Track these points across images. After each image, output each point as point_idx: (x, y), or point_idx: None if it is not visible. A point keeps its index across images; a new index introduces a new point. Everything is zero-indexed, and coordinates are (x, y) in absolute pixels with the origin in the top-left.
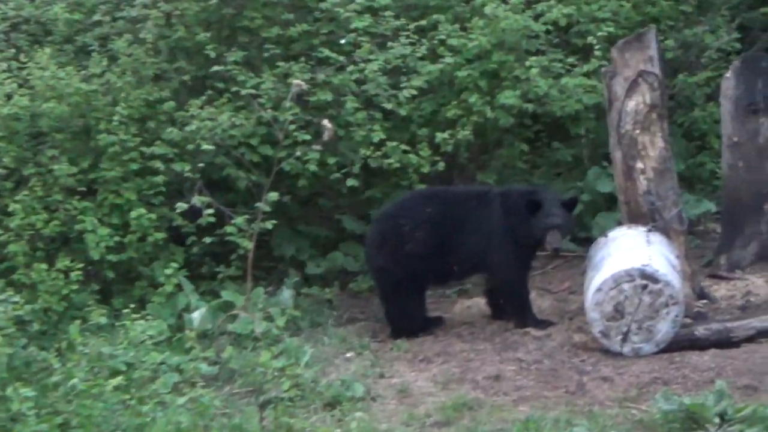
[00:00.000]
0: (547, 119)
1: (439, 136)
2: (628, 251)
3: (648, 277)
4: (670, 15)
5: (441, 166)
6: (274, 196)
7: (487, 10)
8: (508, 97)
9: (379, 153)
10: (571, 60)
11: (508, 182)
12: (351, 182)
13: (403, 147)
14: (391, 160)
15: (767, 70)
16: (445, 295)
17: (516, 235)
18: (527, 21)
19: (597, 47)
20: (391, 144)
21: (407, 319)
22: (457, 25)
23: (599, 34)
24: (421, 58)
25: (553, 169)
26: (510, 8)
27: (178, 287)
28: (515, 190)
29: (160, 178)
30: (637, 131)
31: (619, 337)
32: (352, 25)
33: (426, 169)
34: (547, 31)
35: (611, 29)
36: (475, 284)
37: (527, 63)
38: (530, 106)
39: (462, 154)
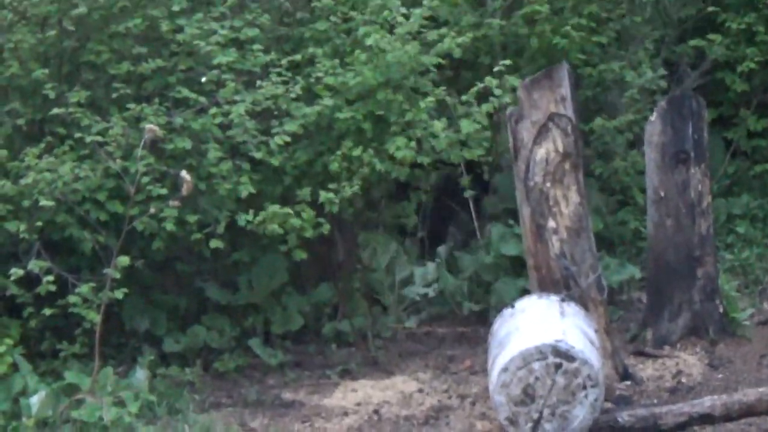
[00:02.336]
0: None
1: (324, 195)
2: (539, 325)
3: (562, 354)
4: (583, 48)
5: (326, 228)
6: (124, 260)
7: (370, 41)
8: (400, 149)
9: (258, 218)
10: (465, 97)
11: (396, 243)
12: (214, 243)
13: (286, 210)
14: (274, 226)
15: (698, 112)
16: (325, 376)
17: None
18: (416, 54)
19: (496, 84)
20: (272, 209)
21: None
22: (336, 60)
23: (496, 69)
24: (296, 99)
25: (451, 227)
26: (396, 39)
27: (13, 367)
28: None
29: None
30: (548, 184)
31: (529, 425)
32: (215, 61)
33: (309, 233)
34: (439, 65)
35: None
36: (362, 364)
37: (421, 104)
38: (425, 159)
39: (346, 211)
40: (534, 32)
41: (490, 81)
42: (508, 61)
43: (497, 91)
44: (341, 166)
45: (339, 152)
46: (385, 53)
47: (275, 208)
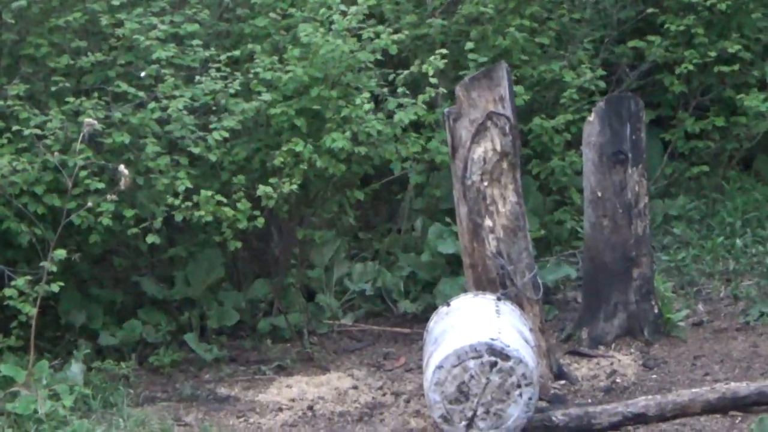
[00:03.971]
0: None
1: (262, 188)
2: (474, 323)
3: (497, 353)
4: (523, 48)
5: (260, 221)
6: (61, 253)
7: (303, 37)
8: (336, 140)
9: (187, 203)
10: (400, 88)
11: (334, 240)
12: (151, 238)
13: (218, 197)
14: (202, 213)
15: (636, 113)
16: (260, 372)
17: None
18: (352, 49)
19: (432, 77)
20: (204, 193)
21: None
22: (275, 57)
23: (430, 67)
24: (234, 95)
25: (388, 225)
26: (332, 36)
27: None
28: None
29: None
30: (486, 183)
31: (464, 423)
32: (154, 56)
33: (243, 225)
34: (377, 62)
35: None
36: (297, 360)
37: (357, 99)
38: (362, 150)
39: (282, 208)
40: (476, 31)
41: (428, 67)
42: (444, 50)
43: (433, 80)
44: (284, 162)
45: (284, 148)
46: (320, 49)
47: (207, 194)
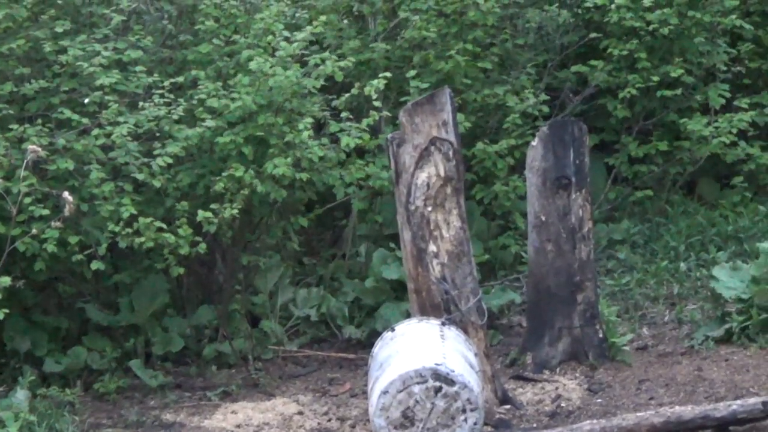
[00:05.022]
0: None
1: (201, 214)
2: (419, 348)
3: (442, 378)
4: (466, 72)
5: (202, 247)
6: (5, 281)
7: (253, 65)
8: (279, 166)
9: (129, 230)
10: (344, 114)
11: (278, 265)
12: (96, 265)
13: (158, 224)
14: (143, 239)
15: (579, 138)
16: (205, 398)
17: None
18: (297, 77)
19: (375, 100)
20: (143, 220)
21: None
22: (219, 83)
23: (371, 89)
24: (178, 121)
25: (333, 250)
26: (277, 62)
27: None
28: None
29: None
30: (429, 208)
31: None
32: (98, 82)
33: (185, 251)
34: (322, 88)
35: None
36: (243, 386)
37: (300, 125)
38: (304, 175)
39: (225, 234)
40: (419, 56)
41: (370, 89)
42: (388, 74)
43: (377, 103)
44: (225, 187)
45: (225, 173)
46: (267, 78)
47: (146, 220)
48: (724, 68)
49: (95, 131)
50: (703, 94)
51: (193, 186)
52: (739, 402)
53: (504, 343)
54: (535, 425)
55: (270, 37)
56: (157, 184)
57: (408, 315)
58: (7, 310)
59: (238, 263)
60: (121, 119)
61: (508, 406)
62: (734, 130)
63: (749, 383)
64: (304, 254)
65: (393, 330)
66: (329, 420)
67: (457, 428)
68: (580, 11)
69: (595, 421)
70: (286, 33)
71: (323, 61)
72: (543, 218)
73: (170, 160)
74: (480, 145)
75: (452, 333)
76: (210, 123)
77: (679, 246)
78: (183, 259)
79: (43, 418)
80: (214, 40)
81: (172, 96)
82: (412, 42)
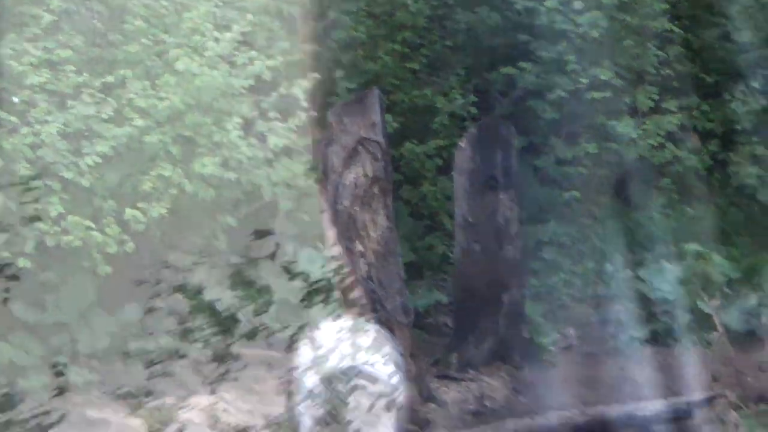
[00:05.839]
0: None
1: (129, 212)
2: (343, 347)
3: (366, 376)
4: (395, 73)
5: (130, 247)
6: None
7: (180, 65)
8: (206, 165)
9: (57, 229)
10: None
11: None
12: (23, 263)
13: (87, 223)
14: (71, 237)
15: (507, 139)
16: (131, 395)
17: None
18: (225, 77)
19: (303, 101)
20: (72, 218)
21: None
22: (147, 83)
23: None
24: (107, 121)
25: (260, 249)
26: (206, 62)
27: None
28: None
29: None
30: (357, 208)
31: None
32: (27, 81)
33: (112, 249)
34: (251, 88)
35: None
36: (169, 382)
37: (228, 125)
38: (232, 175)
39: (154, 232)
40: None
41: (297, 89)
42: (316, 74)
43: (304, 104)
44: (153, 186)
45: (153, 173)
46: (194, 77)
47: (75, 218)
48: (653, 71)
49: (24, 130)
50: (632, 97)
51: (121, 185)
52: (663, 401)
53: (429, 342)
54: (459, 424)
55: (198, 37)
56: (85, 183)
57: (334, 314)
58: None
59: (166, 262)
60: (50, 118)
61: (432, 405)
62: (662, 133)
63: (674, 383)
64: (231, 253)
65: (319, 329)
66: (254, 417)
67: (381, 426)
68: (509, 14)
69: (519, 420)
70: (215, 33)
71: (252, 60)
72: (470, 219)
73: (99, 159)
74: (408, 145)
75: (377, 332)
76: (138, 122)
77: (606, 247)
78: (111, 257)
79: None
80: (143, 40)
81: (101, 95)
82: (341, 42)
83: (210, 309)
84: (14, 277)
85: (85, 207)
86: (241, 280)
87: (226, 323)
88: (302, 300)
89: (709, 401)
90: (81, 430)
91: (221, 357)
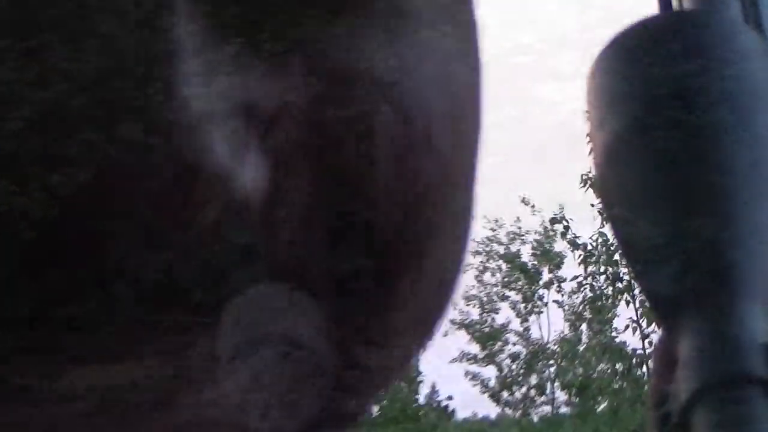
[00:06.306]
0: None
1: (55, 178)
2: (268, 312)
3: (291, 342)
4: None
5: (54, 212)
6: None
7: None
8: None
9: None
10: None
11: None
12: None
13: (12, 188)
14: None
15: None
16: (55, 361)
17: None
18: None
19: None
20: None
21: None
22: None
23: None
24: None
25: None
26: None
27: None
28: None
29: None
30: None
31: (257, 413)
32: None
33: (37, 215)
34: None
35: None
36: (93, 349)
37: (154, 89)
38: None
39: (77, 198)
40: None
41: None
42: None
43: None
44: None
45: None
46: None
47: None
48: None
49: None
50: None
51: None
52: None
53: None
54: (383, 390)
55: None
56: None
57: (259, 279)
58: None
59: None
60: None
61: (357, 372)
62: None
63: None
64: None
65: (243, 294)
66: (179, 384)
67: (306, 393)
68: None
69: None
70: None
71: None
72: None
73: (22, 124)
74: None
75: (303, 297)
76: (63, 86)
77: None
78: (35, 224)
79: None
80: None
81: (25, 59)
82: None
83: (133, 274)
84: None
85: (11, 173)
86: (165, 243)
87: (152, 288)
88: (229, 263)
89: None
90: (3, 397)
91: (145, 322)
